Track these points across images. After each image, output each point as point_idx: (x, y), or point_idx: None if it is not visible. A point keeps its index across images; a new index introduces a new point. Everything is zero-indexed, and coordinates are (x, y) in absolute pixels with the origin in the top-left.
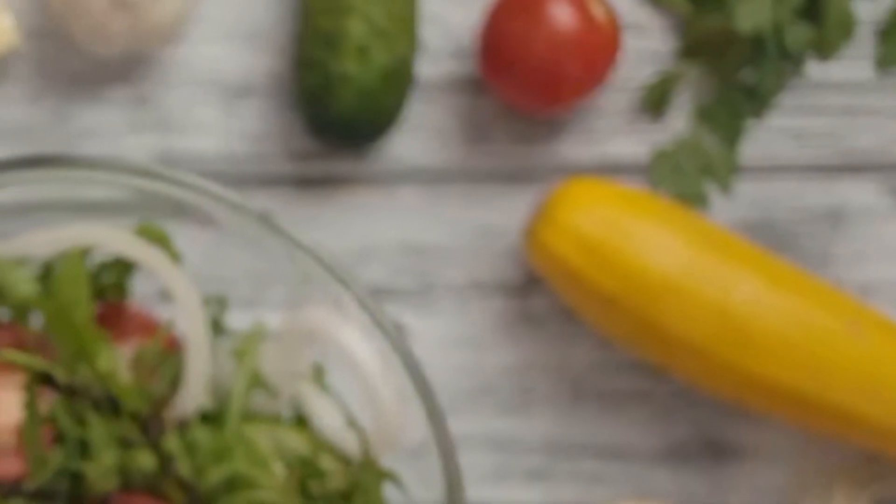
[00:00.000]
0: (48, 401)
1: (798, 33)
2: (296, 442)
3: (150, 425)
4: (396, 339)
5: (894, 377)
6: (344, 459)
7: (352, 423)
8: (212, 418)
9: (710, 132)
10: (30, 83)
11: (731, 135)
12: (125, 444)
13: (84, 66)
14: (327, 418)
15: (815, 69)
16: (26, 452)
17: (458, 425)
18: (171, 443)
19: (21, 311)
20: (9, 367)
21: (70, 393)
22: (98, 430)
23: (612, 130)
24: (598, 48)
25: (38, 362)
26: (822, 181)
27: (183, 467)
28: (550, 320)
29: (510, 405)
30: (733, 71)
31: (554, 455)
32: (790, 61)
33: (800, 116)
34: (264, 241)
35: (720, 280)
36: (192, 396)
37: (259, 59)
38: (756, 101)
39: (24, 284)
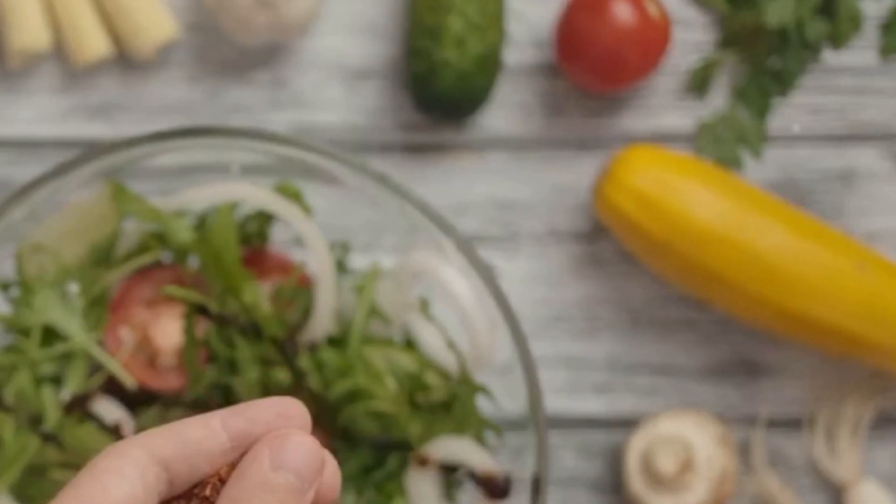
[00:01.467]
0: (203, 328)
1: (816, 27)
2: (405, 361)
3: (286, 347)
4: (488, 277)
5: (893, 307)
6: (445, 375)
7: (451, 345)
8: (337, 342)
9: (744, 108)
10: (187, 68)
11: (761, 110)
12: (266, 363)
13: (232, 54)
14: (431, 341)
15: (829, 56)
16: (185, 370)
17: (538, 347)
18: (304, 361)
19: (181, 254)
20: (171, 300)
21: (221, 321)
22: (244, 351)
23: (663, 106)
24: (652, 39)
25: (195, 296)
26: (835, 148)
27: (313, 382)
28: (613, 262)
29: (580, 331)
30: (763, 58)
31: (616, 372)
32: (809, 50)
33: (817, 95)
34: (379, 197)
35: (752, 228)
36: (321, 324)
37: (375, 48)
38: (781, 82)
39: (184, 232)
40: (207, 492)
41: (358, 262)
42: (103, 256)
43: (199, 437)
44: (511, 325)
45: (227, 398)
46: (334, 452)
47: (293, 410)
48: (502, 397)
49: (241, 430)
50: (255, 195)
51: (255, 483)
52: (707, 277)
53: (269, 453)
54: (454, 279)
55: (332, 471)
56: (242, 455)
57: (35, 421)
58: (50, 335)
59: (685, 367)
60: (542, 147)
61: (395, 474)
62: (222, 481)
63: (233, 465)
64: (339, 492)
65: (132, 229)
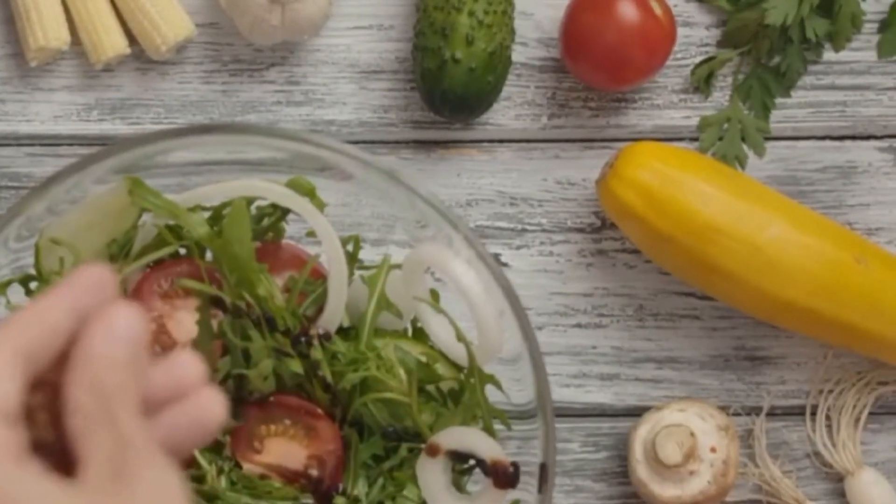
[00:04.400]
0: (218, 320)
1: (816, 25)
2: (416, 352)
3: (299, 339)
4: (496, 270)
5: (893, 299)
6: (454, 366)
7: (460, 336)
8: (349, 333)
9: (747, 105)
10: (204, 66)
11: (763, 107)
12: (279, 354)
13: (247, 52)
14: (441, 333)
15: (830, 54)
16: None
17: (545, 339)
18: (317, 353)
19: (197, 248)
20: (187, 293)
21: (236, 313)
22: (258, 343)
23: (668, 104)
24: (656, 38)
25: (210, 289)
26: (836, 144)
27: (326, 372)
28: (618, 255)
29: (586, 323)
30: (764, 56)
31: (622, 363)
32: (810, 48)
33: (818, 92)
34: (390, 192)
35: (754, 222)
36: (333, 316)
37: (386, 46)
38: (783, 80)
39: (200, 227)
40: (59, 369)
41: (369, 255)
42: (121, 250)
43: (49, 318)
44: (519, 317)
45: (241, 389)
46: (347, 441)
47: (107, 275)
48: (511, 387)
49: (80, 304)
50: (268, 190)
51: (95, 356)
52: (710, 270)
53: (102, 329)
54: (463, 272)
55: (211, 396)
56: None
57: None
58: None
59: (689, 358)
60: (549, 143)
61: (407, 463)
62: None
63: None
64: (221, 419)
65: (149, 223)
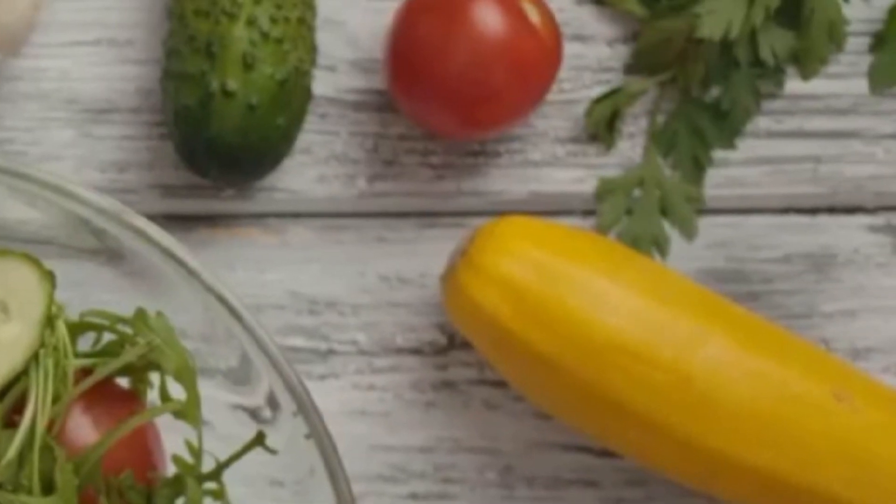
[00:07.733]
0: None
1: (775, 40)
2: None
3: None
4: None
5: (891, 458)
6: None
7: None
8: None
9: (670, 161)
10: None
11: (694, 164)
12: None
13: None
14: None
15: (796, 85)
16: None
17: None
18: None
19: None
20: None
21: None
22: None
23: (550, 160)
24: (532, 59)
25: None
26: (805, 220)
27: None
28: (475, 389)
29: (428, 493)
30: (697, 87)
31: None
32: (766, 76)
33: (778, 141)
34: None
35: (681, 340)
36: None
37: (122, 71)
38: (725, 124)
39: None
40: None
41: None
42: None
43: None
44: (335, 481)
45: None
46: None
47: None
48: None
49: None
50: None
51: None
52: (613, 412)
53: None
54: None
55: None
56: None
57: None
58: None
59: None
60: (369, 219)
61: None
62: None
63: None
64: None
65: None
